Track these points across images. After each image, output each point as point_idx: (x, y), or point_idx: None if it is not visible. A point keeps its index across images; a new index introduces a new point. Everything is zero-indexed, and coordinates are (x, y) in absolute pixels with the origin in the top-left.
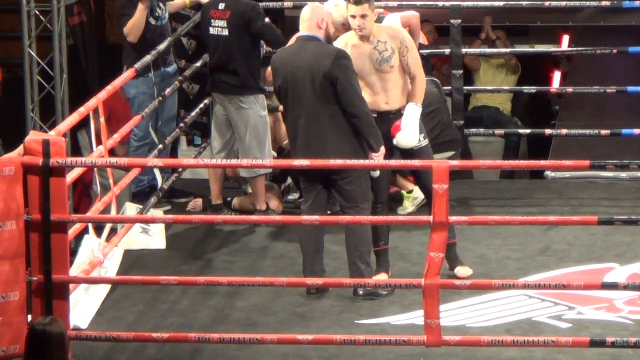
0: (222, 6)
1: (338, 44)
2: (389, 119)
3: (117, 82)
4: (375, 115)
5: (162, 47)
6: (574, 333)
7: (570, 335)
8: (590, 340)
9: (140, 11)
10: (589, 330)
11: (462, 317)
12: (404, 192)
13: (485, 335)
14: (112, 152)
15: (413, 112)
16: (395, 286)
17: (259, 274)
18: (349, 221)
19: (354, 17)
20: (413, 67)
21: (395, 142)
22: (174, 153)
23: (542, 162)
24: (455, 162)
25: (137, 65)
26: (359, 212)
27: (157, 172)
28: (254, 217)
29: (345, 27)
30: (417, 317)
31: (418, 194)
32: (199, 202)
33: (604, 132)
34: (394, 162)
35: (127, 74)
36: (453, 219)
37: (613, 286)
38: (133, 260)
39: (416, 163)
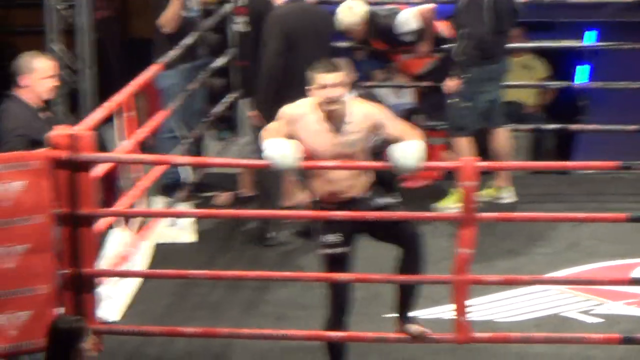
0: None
1: (298, 108)
2: (349, 206)
3: (148, 74)
4: (335, 207)
5: (190, 39)
6: (604, 328)
7: (600, 330)
8: (621, 337)
9: (178, 1)
10: (620, 325)
11: (490, 312)
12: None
13: (513, 331)
14: (143, 144)
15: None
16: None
17: (287, 268)
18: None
19: (323, 87)
20: (403, 134)
21: (395, 165)
22: (200, 146)
23: (570, 163)
24: (483, 163)
25: (168, 57)
26: None
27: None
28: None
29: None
30: (445, 311)
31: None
32: (227, 195)
33: (630, 127)
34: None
35: (157, 66)
36: (482, 214)
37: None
38: (162, 254)
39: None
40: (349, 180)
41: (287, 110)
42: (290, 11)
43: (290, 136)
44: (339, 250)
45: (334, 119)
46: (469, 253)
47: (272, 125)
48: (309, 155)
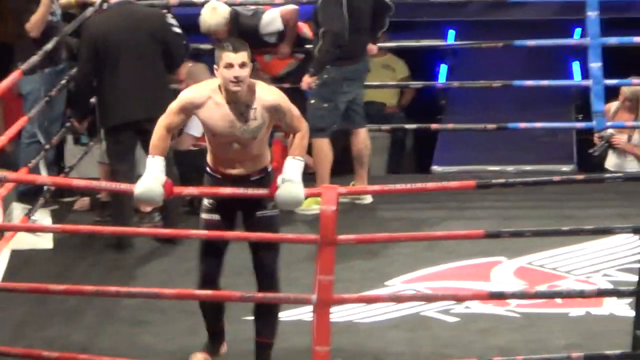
0: None
1: (200, 92)
2: (235, 181)
3: (8, 80)
4: (219, 177)
5: (50, 44)
6: (462, 327)
7: (458, 329)
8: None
9: (45, 5)
10: (477, 324)
11: (351, 313)
12: None
13: (374, 332)
14: (2, 151)
15: (292, 166)
16: (283, 299)
17: (146, 271)
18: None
19: (229, 65)
20: (294, 123)
21: (277, 204)
22: (60, 152)
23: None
24: (343, 189)
25: (30, 61)
26: None
27: (43, 172)
28: (142, 229)
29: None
30: (305, 312)
31: None
32: (86, 200)
33: (489, 126)
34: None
35: (17, 72)
36: (341, 237)
37: (500, 295)
38: (21, 260)
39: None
40: (238, 161)
41: (187, 94)
42: (106, 19)
43: (187, 120)
44: (215, 217)
45: (238, 102)
46: (329, 280)
47: (156, 132)
48: (210, 134)
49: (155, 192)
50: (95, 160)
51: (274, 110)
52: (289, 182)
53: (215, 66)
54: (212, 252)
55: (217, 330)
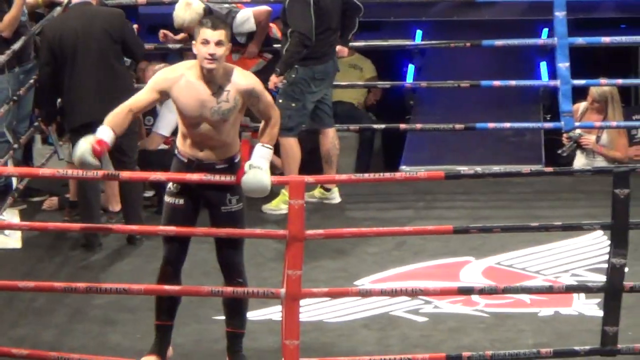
0: None
1: (173, 70)
2: (200, 167)
3: None
4: (186, 160)
5: (18, 44)
6: (431, 326)
7: (427, 328)
8: (446, 356)
9: (18, 5)
10: (445, 324)
11: (320, 312)
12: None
13: (343, 331)
14: None
15: (260, 152)
16: (252, 293)
17: (115, 270)
18: None
19: (206, 42)
20: (267, 109)
21: (244, 190)
22: (29, 151)
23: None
24: (311, 178)
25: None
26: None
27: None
28: (111, 227)
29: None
30: (274, 312)
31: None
32: (54, 200)
33: (458, 126)
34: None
35: None
36: (309, 232)
37: (469, 291)
38: None
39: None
40: (206, 145)
41: (161, 74)
42: (62, 20)
43: (162, 98)
44: (179, 200)
45: (211, 82)
46: (297, 275)
47: (117, 108)
48: (181, 112)
49: (81, 148)
50: (63, 160)
51: (248, 95)
52: (256, 169)
53: (193, 42)
54: (176, 236)
55: (166, 326)
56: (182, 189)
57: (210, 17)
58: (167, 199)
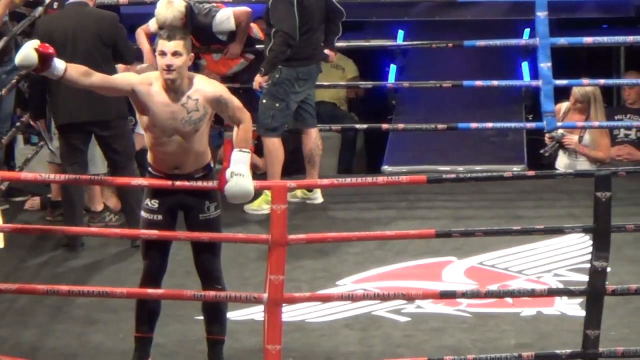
0: None
1: (145, 77)
2: (178, 179)
3: None
4: (162, 176)
5: (1, 43)
6: (413, 326)
7: (409, 328)
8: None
9: (3, 5)
10: (428, 323)
11: (302, 313)
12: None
13: (325, 331)
14: None
15: (238, 158)
16: (234, 298)
17: (97, 270)
18: None
19: (162, 53)
20: (237, 114)
21: (227, 198)
22: (10, 151)
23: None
24: (293, 183)
25: None
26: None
27: None
28: (92, 229)
29: (180, 24)
30: (256, 312)
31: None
32: (36, 200)
33: (440, 126)
34: None
35: None
36: (292, 237)
37: (451, 295)
38: None
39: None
40: (180, 157)
41: (137, 77)
42: (54, 19)
43: (129, 95)
44: (157, 217)
45: (175, 91)
46: (280, 280)
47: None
48: (151, 126)
49: (24, 50)
50: (45, 160)
51: (216, 102)
52: (238, 176)
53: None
54: (155, 252)
55: (146, 338)
56: (160, 205)
57: (169, 27)
58: (145, 215)
